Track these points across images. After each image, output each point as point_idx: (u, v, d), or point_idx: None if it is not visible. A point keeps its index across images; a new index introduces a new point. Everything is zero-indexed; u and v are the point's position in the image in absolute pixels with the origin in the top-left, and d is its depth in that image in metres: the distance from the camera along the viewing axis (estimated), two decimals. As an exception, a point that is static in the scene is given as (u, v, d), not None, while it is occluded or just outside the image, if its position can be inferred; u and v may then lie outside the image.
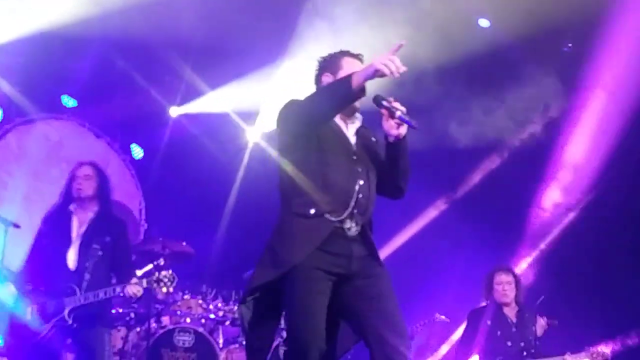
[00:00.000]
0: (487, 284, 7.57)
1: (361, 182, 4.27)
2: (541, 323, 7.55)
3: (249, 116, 10.94)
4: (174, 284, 6.28)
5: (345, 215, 4.19)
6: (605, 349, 7.32)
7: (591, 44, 8.77)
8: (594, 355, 7.27)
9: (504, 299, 7.43)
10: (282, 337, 8.13)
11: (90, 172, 6.22)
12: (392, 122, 4.26)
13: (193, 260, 8.52)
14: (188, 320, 7.84)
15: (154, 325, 7.68)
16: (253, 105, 10.80)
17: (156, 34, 9.17)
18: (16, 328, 5.96)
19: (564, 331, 7.95)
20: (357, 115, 4.45)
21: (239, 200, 10.96)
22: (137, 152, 10.41)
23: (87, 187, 6.16)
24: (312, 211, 4.15)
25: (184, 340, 7.44)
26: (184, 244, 8.28)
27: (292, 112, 4.29)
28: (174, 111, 10.39)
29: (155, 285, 6.19)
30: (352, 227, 4.22)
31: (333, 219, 4.16)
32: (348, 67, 4.38)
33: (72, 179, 6.22)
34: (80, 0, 8.32)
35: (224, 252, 10.07)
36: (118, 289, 5.98)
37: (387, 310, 4.16)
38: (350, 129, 4.42)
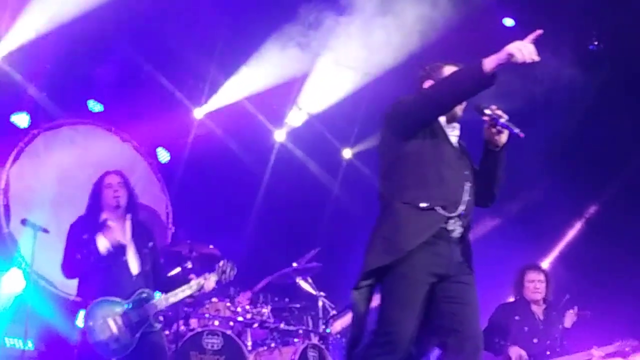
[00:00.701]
0: (517, 280, 7.59)
1: (469, 185, 4.33)
2: (570, 314, 7.58)
3: (276, 117, 10.95)
4: (235, 272, 6.49)
5: (454, 213, 4.23)
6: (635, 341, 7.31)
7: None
8: (622, 347, 7.26)
9: (535, 297, 7.46)
10: (309, 339, 8.12)
11: (121, 181, 6.24)
12: (494, 130, 4.31)
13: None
14: (216, 323, 7.83)
15: (182, 328, 7.69)
16: (279, 106, 10.82)
17: (180, 36, 9.23)
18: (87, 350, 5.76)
19: (591, 327, 7.92)
20: (456, 124, 4.48)
21: (266, 201, 10.97)
22: (164, 155, 10.42)
23: (124, 195, 6.18)
24: (424, 204, 4.18)
25: (213, 343, 7.43)
26: (211, 246, 8.28)
27: (410, 104, 4.32)
28: (199, 113, 10.40)
29: (223, 276, 6.39)
30: (456, 229, 4.27)
31: (443, 213, 4.19)
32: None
33: (105, 186, 6.19)
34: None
35: (251, 254, 10.06)
36: (195, 286, 6.07)
37: (471, 319, 4.23)
38: (451, 136, 4.45)
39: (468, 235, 4.37)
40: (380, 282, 4.22)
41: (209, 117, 10.44)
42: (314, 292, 8.42)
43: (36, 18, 8.38)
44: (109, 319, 5.66)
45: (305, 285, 8.45)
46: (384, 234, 4.21)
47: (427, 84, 4.45)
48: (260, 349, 8.01)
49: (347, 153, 11.65)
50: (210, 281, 6.24)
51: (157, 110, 9.93)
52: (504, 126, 4.26)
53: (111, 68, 9.57)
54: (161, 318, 7.48)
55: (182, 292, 6.06)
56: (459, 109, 4.38)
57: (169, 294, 6.02)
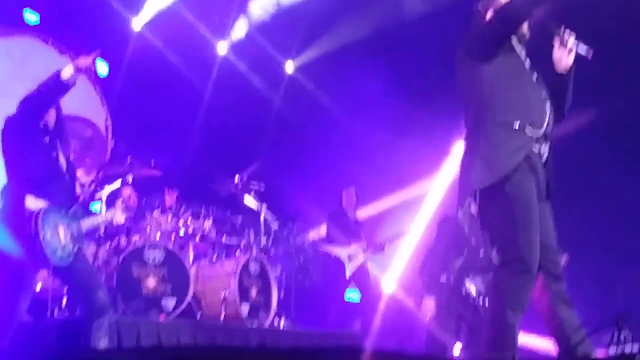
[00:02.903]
0: None
1: (549, 104, 4.46)
2: None
3: (217, 29, 10.81)
4: (136, 204, 6.40)
5: (540, 134, 4.35)
6: None
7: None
8: None
9: None
10: (251, 252, 8.17)
11: None
12: (563, 52, 4.45)
13: (162, 176, 8.44)
14: (158, 236, 7.85)
15: (124, 241, 7.70)
16: (221, 17, 10.68)
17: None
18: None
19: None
20: (523, 48, 4.60)
21: (208, 115, 10.90)
22: (102, 67, 10.19)
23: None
24: (517, 124, 4.29)
25: (155, 256, 7.45)
26: (152, 161, 8.18)
27: (488, 25, 4.44)
28: (137, 23, 10.21)
29: (127, 213, 6.43)
30: (545, 153, 4.40)
31: (532, 135, 4.31)
32: None
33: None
34: None
35: (194, 168, 10.04)
36: (109, 216, 6.09)
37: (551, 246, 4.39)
38: (525, 58, 4.57)
39: (551, 159, 4.47)
40: (488, 206, 4.31)
41: (149, 29, 10.24)
42: (256, 205, 8.44)
43: None
44: (61, 227, 5.61)
45: (247, 199, 8.46)
46: (482, 154, 4.31)
47: (490, 13, 4.57)
48: (202, 262, 8.08)
49: (289, 67, 11.59)
50: (117, 216, 6.20)
51: (95, 22, 9.70)
52: (574, 45, 4.41)
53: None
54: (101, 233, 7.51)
55: (95, 220, 6.05)
56: (526, 29, 4.52)
57: (93, 217, 6.03)
